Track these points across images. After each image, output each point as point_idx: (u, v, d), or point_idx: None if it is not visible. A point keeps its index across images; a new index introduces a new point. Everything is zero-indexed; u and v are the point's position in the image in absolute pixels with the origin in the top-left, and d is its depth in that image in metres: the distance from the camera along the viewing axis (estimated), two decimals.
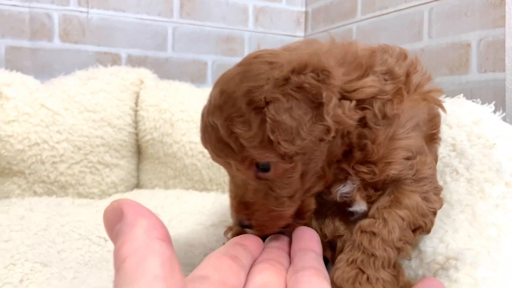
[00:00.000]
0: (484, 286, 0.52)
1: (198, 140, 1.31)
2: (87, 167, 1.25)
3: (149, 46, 1.72)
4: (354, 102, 0.54)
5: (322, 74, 0.51)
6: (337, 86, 0.52)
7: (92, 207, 1.11)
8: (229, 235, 0.82)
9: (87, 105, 1.25)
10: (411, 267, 0.63)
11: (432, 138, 0.68)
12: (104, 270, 0.74)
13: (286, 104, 0.50)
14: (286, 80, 0.50)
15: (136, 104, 1.36)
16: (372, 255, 0.55)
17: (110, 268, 0.75)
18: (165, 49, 1.75)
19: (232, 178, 0.58)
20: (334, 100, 0.51)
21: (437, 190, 0.62)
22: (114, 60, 1.65)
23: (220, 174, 1.31)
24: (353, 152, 0.58)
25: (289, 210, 0.57)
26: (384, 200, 0.59)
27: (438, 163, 0.78)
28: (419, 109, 0.63)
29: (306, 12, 2.03)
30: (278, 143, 0.50)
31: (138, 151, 1.39)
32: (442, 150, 0.80)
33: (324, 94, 0.50)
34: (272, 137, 0.50)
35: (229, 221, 0.91)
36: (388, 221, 0.57)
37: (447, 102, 0.93)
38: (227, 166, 0.57)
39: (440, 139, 0.72)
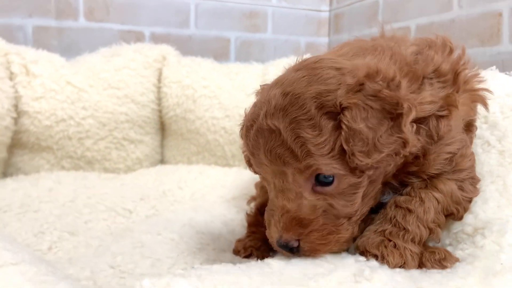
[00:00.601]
0: (509, 253, 0.51)
1: (221, 116, 1.33)
2: (113, 143, 1.27)
3: (172, 23, 1.72)
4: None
5: (392, 84, 0.50)
6: (414, 98, 0.50)
7: (117, 181, 1.14)
8: (252, 204, 0.83)
9: (111, 82, 1.27)
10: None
11: (471, 125, 0.66)
12: (127, 238, 0.76)
13: (363, 112, 0.47)
14: (361, 86, 0.49)
15: (159, 80, 1.37)
16: (404, 229, 0.55)
17: (134, 236, 0.77)
18: (188, 26, 1.74)
19: (281, 191, 0.52)
20: (414, 113, 0.49)
21: (474, 180, 0.61)
22: (138, 38, 1.66)
23: None
24: (405, 167, 0.56)
25: (347, 233, 0.53)
26: (420, 183, 0.58)
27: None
28: (465, 110, 0.61)
29: None
30: (353, 154, 0.47)
31: (162, 127, 1.40)
32: None
33: (405, 106, 0.48)
34: (346, 147, 0.48)
35: (251, 193, 0.92)
36: (425, 201, 0.56)
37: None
38: (279, 176, 0.52)
39: (476, 126, 0.69)
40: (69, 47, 1.56)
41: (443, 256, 0.54)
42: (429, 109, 0.52)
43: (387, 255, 0.52)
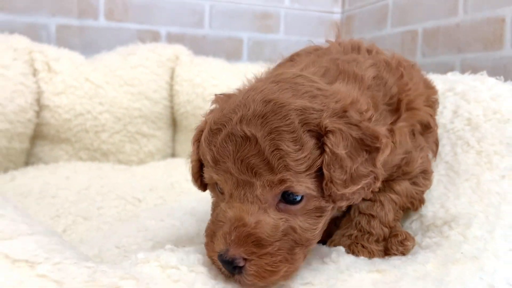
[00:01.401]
0: (474, 244, 0.55)
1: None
2: (127, 136, 1.35)
3: (187, 23, 1.79)
4: None
5: (366, 116, 0.49)
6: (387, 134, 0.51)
7: (129, 172, 1.22)
8: None
9: (126, 79, 1.35)
10: (411, 229, 0.67)
11: (427, 127, 0.68)
12: (133, 223, 0.84)
13: (345, 140, 0.46)
14: (345, 113, 0.47)
15: (172, 78, 1.45)
16: (369, 232, 0.61)
17: (139, 222, 0.84)
18: (202, 26, 1.81)
19: (240, 203, 0.47)
20: (388, 150, 0.48)
21: (427, 174, 0.66)
22: (154, 37, 1.74)
23: None
24: None
25: (298, 265, 0.48)
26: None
27: (451, 135, 0.81)
28: (408, 126, 0.62)
29: None
30: (331, 181, 0.45)
31: (173, 123, 1.48)
32: (457, 124, 0.82)
33: (384, 141, 0.48)
34: (326, 172, 0.45)
35: None
36: (384, 204, 0.61)
37: (470, 78, 0.94)
38: (244, 187, 0.46)
39: (436, 126, 0.71)
40: (89, 45, 1.65)
41: (404, 237, 0.60)
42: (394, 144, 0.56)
43: (358, 252, 0.58)
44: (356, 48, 0.66)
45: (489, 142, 0.74)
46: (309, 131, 0.46)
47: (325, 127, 0.46)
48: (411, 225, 0.67)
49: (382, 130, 0.49)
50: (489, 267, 0.52)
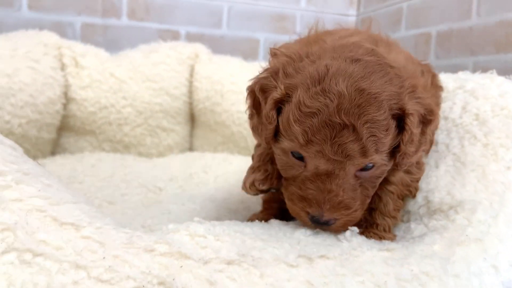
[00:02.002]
0: (478, 227, 0.59)
1: (245, 109, 1.43)
2: (147, 130, 1.41)
3: (206, 24, 1.85)
4: None
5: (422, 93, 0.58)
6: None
7: (150, 162, 1.28)
8: None
9: (148, 75, 1.41)
10: (418, 214, 0.71)
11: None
12: (157, 207, 0.89)
13: (417, 120, 0.55)
14: (414, 91, 0.56)
15: (191, 76, 1.50)
16: (374, 223, 0.66)
17: (162, 206, 0.90)
18: (220, 26, 1.87)
19: (329, 177, 0.54)
20: (438, 122, 0.58)
21: (419, 164, 0.71)
22: (174, 36, 1.80)
23: None
24: None
25: (361, 214, 0.60)
26: None
27: (459, 129, 0.84)
28: None
29: None
30: (405, 153, 0.55)
31: (192, 118, 1.54)
32: (466, 119, 0.86)
33: (435, 113, 0.56)
34: (403, 147, 0.54)
35: None
36: (382, 196, 0.67)
37: (480, 76, 0.98)
38: (334, 164, 0.53)
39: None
40: (112, 43, 1.72)
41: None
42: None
43: (370, 237, 0.63)
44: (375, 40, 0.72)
45: (495, 136, 0.77)
46: (393, 115, 0.53)
47: (407, 111, 0.53)
48: (419, 210, 0.71)
49: (433, 104, 0.58)
50: (492, 250, 0.55)
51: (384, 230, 0.66)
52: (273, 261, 0.46)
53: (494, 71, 0.99)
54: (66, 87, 1.33)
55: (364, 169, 0.55)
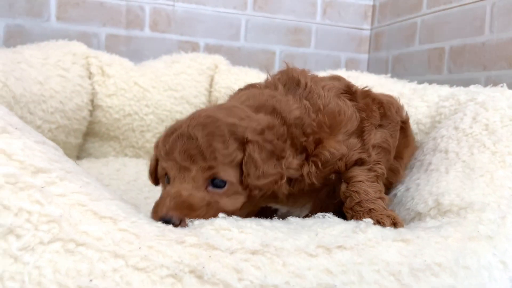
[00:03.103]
0: (488, 226, 0.62)
1: None
2: None
3: (224, 36, 1.92)
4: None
5: (281, 137, 0.69)
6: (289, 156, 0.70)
7: None
8: None
9: (170, 85, 1.48)
10: (429, 215, 0.74)
11: (361, 130, 0.80)
12: None
13: (259, 149, 0.65)
14: (262, 132, 0.66)
15: (211, 85, 1.57)
16: (369, 209, 0.72)
17: None
18: (238, 39, 1.94)
19: (179, 182, 0.63)
20: (291, 159, 0.68)
21: (363, 160, 0.78)
22: (194, 48, 1.87)
23: None
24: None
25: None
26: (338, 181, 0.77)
27: (469, 139, 0.88)
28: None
29: (373, 6, 2.10)
30: (248, 175, 0.64)
31: None
32: (476, 129, 0.90)
33: (287, 154, 0.67)
34: (244, 168, 0.63)
35: None
36: (357, 191, 0.74)
37: (491, 90, 1.02)
38: (183, 171, 0.63)
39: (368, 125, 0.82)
40: (135, 53, 1.79)
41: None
42: (294, 173, 0.70)
43: (381, 219, 0.67)
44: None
45: (504, 144, 0.81)
46: (235, 138, 0.64)
47: (247, 138, 0.64)
48: (429, 212, 0.74)
49: (287, 148, 0.68)
50: (501, 247, 0.59)
51: (382, 210, 0.71)
52: (294, 251, 0.50)
53: (505, 84, 1.03)
54: (93, 94, 1.40)
55: (217, 186, 0.64)
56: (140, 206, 1.04)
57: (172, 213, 0.60)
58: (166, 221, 0.59)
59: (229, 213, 0.63)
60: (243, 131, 0.65)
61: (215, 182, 0.64)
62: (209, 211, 0.62)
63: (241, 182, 0.64)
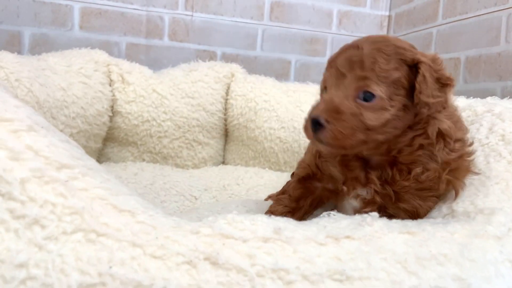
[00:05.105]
0: (498, 228, 0.61)
1: (277, 127, 1.52)
2: (184, 143, 1.51)
3: (241, 45, 1.96)
4: None
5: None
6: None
7: (187, 173, 1.37)
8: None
9: (188, 92, 1.51)
10: (442, 222, 0.74)
11: None
12: (194, 214, 0.96)
13: (430, 73, 0.66)
14: (433, 60, 0.68)
15: (227, 93, 1.60)
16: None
17: (199, 212, 0.96)
18: (254, 48, 1.97)
19: (333, 88, 0.68)
20: (452, 89, 0.70)
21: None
22: (211, 56, 1.92)
23: (294, 157, 1.49)
24: None
25: (361, 137, 0.67)
26: None
27: (485, 149, 0.89)
28: None
29: (389, 16, 2.12)
30: (421, 92, 0.66)
31: (226, 133, 1.63)
32: (492, 139, 0.90)
33: (452, 82, 0.69)
34: (417, 85, 0.66)
35: None
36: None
37: (508, 101, 1.03)
38: (339, 78, 0.67)
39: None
40: (154, 61, 1.84)
41: None
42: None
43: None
44: None
45: None
46: (400, 59, 0.66)
47: (420, 60, 0.66)
48: (444, 218, 0.74)
49: (451, 78, 0.70)
50: (509, 247, 0.58)
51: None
52: (304, 239, 0.52)
53: None
54: (113, 101, 1.45)
55: (365, 99, 0.66)
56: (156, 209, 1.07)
57: (322, 115, 0.65)
58: (314, 121, 0.66)
59: (371, 127, 0.66)
60: (412, 56, 0.67)
61: (365, 95, 0.66)
62: (353, 121, 0.66)
63: (391, 100, 0.67)
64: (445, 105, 0.69)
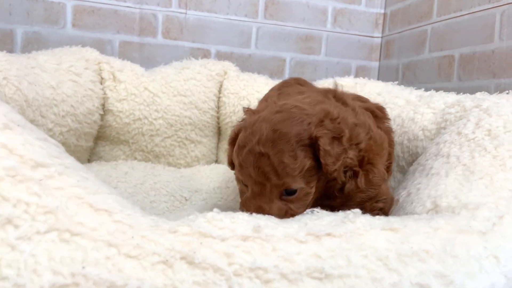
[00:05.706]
0: (482, 223, 0.60)
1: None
2: (177, 141, 1.50)
3: (235, 43, 1.95)
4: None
5: (335, 121, 0.75)
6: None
7: (178, 173, 1.36)
8: None
9: (180, 90, 1.50)
10: (426, 218, 0.73)
11: None
12: (185, 214, 0.95)
13: (327, 139, 0.71)
14: (322, 122, 0.72)
15: (220, 91, 1.59)
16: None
17: (189, 214, 0.96)
18: (249, 46, 1.96)
19: (258, 196, 0.71)
20: (347, 135, 0.74)
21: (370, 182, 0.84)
22: (205, 54, 1.90)
23: None
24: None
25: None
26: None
27: (471, 144, 0.88)
28: None
29: (384, 14, 2.11)
30: (326, 164, 0.70)
31: (219, 132, 1.62)
32: (478, 134, 0.89)
33: (345, 132, 0.74)
34: (322, 160, 0.70)
35: None
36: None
37: (497, 96, 1.01)
38: (259, 185, 0.70)
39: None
40: (147, 59, 1.83)
41: None
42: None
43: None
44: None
45: (505, 148, 0.80)
46: (302, 146, 0.70)
47: (316, 136, 0.71)
48: (428, 213, 0.73)
49: (345, 127, 0.75)
50: (494, 242, 0.57)
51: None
52: (284, 237, 0.51)
53: (511, 91, 1.03)
54: (104, 99, 1.44)
55: (289, 193, 0.71)
56: (145, 209, 1.06)
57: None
58: None
59: (300, 212, 0.69)
60: (309, 134, 0.71)
61: (288, 191, 0.71)
62: (284, 215, 0.69)
63: (309, 184, 0.72)
64: (346, 151, 0.73)
